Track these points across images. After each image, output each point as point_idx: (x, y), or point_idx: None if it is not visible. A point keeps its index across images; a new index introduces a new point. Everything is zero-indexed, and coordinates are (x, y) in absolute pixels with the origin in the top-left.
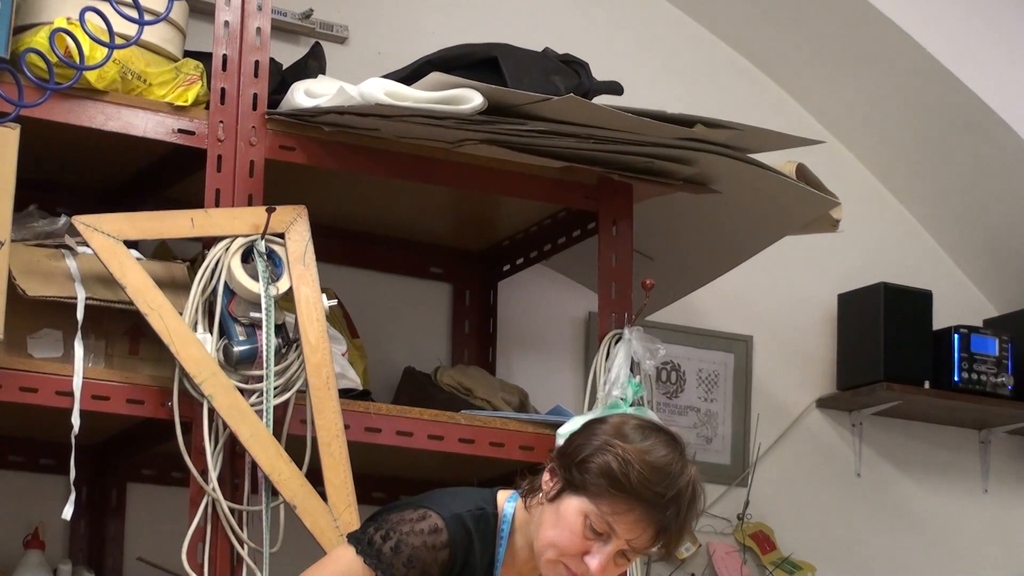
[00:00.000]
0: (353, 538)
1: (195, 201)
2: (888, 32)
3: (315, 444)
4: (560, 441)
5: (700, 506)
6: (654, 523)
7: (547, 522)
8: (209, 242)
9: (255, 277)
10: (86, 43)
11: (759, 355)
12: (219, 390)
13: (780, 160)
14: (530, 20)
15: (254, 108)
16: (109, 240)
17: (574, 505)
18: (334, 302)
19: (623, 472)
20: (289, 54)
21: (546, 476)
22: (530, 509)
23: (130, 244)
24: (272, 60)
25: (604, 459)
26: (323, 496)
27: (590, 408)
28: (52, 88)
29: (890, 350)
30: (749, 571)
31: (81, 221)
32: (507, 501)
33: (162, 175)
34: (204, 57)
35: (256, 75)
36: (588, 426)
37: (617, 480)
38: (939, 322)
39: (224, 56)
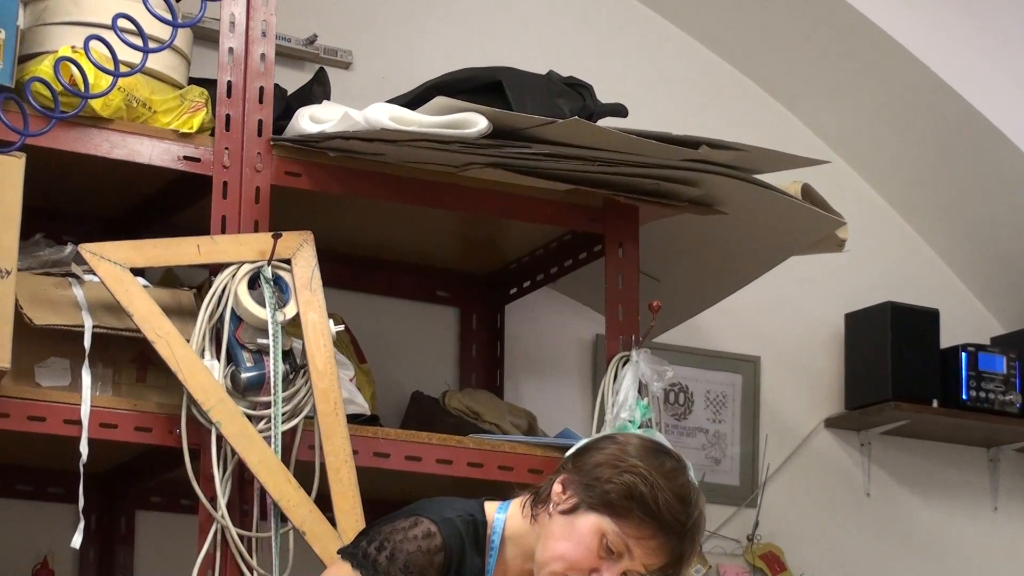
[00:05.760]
0: (347, 553)
1: (201, 228)
2: (892, 51)
3: (324, 470)
4: None
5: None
6: (672, 551)
7: (557, 534)
8: (215, 269)
9: (262, 303)
10: (91, 71)
11: (767, 375)
12: (227, 417)
13: (785, 180)
14: (534, 44)
15: (259, 134)
16: (115, 268)
17: (592, 522)
18: (341, 327)
19: (652, 497)
20: (293, 80)
21: (557, 488)
22: (535, 518)
23: (136, 272)
24: (276, 86)
25: (630, 480)
26: (332, 522)
27: (598, 431)
28: (57, 116)
29: (898, 369)
30: None
31: (87, 249)
32: (497, 512)
33: (168, 202)
34: (209, 84)
35: (261, 101)
36: (601, 444)
37: (647, 505)
38: (946, 340)
39: (229, 83)
